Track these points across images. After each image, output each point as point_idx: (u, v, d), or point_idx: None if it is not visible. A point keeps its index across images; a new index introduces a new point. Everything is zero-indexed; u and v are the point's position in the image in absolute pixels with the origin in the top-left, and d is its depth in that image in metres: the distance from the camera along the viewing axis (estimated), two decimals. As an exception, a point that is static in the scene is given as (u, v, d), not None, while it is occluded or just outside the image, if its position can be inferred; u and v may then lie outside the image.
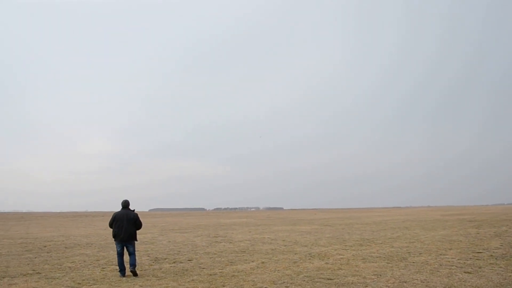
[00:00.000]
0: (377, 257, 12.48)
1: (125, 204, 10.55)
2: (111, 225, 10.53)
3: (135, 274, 9.96)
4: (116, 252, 10.47)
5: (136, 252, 10.49)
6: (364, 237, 19.88)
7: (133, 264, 10.09)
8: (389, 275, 9.47)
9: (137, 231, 10.61)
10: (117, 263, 10.51)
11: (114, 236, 10.40)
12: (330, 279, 9.11)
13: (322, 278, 9.18)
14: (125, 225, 10.22)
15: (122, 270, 10.13)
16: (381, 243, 16.59)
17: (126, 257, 10.41)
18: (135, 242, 10.59)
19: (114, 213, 10.58)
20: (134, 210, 10.61)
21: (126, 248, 10.33)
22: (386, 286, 8.36)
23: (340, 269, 10.45)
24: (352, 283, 8.65)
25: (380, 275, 9.48)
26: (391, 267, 10.68)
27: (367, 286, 8.32)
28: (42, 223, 43.81)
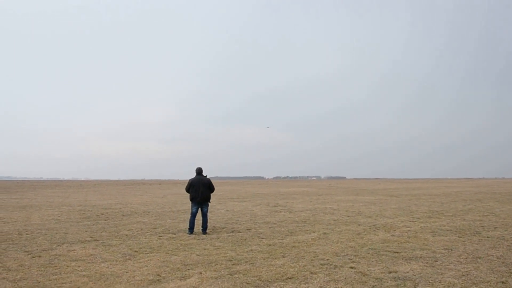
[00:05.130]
0: (447, 230, 11.80)
1: (199, 171, 11.92)
2: (187, 190, 11.99)
3: (204, 233, 11.54)
4: (190, 213, 11.98)
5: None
6: (432, 209, 18.95)
7: (204, 228, 11.64)
8: (461, 250, 8.88)
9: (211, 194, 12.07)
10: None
11: (192, 199, 11.81)
12: (397, 252, 8.70)
13: (388, 251, 8.78)
14: (201, 189, 11.67)
15: (191, 229, 11.63)
16: (452, 216, 15.70)
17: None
18: (209, 204, 12.13)
19: (190, 179, 11.97)
20: (206, 176, 11.95)
21: (201, 209, 11.77)
22: (458, 261, 7.81)
23: (408, 242, 9.98)
24: (420, 257, 8.19)
25: (451, 250, 8.92)
26: (463, 241, 10.03)
27: (437, 261, 7.82)
28: (100, 190, 44.82)
